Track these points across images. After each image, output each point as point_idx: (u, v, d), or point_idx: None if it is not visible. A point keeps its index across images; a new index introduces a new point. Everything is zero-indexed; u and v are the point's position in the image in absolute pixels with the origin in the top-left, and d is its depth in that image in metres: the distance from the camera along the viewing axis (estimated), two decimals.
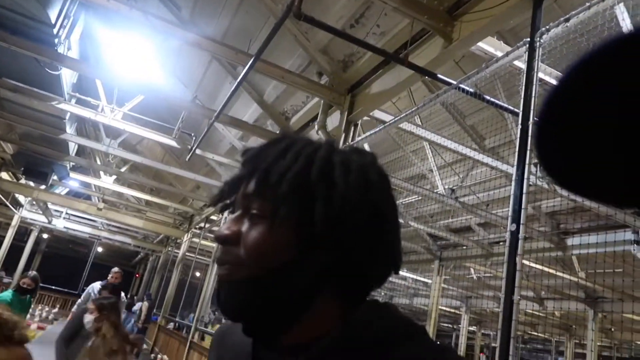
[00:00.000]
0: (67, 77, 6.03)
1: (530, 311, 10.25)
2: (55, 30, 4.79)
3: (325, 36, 4.62)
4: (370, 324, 0.57)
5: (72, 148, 8.87)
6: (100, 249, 21.97)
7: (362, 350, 0.55)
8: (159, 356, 9.29)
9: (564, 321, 12.16)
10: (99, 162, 10.60)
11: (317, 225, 0.56)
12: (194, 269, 13.82)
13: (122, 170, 10.58)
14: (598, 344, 9.73)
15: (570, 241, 6.27)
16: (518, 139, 2.46)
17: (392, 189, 0.64)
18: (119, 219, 13.41)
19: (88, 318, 3.21)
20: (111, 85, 6.82)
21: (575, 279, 8.10)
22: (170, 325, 11.50)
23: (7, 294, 5.21)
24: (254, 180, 0.60)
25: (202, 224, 11.52)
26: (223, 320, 0.80)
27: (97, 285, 7.06)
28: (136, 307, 11.03)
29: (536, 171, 2.96)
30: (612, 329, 11.62)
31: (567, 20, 2.48)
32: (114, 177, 10.96)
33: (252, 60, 3.97)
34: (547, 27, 2.58)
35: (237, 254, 0.59)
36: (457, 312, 13.62)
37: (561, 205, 5.56)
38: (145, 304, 10.87)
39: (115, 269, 7.45)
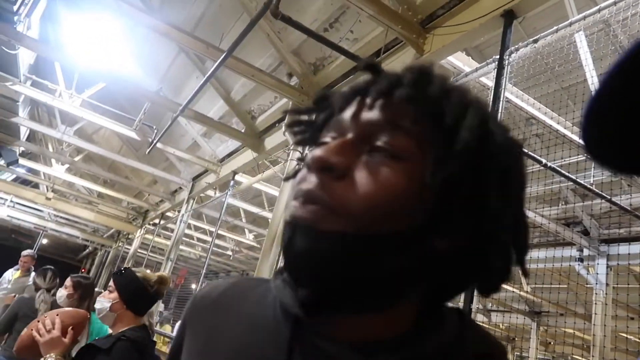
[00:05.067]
0: (25, 57, 5.76)
1: (478, 322, 10.56)
2: (15, 7, 4.57)
3: (297, 38, 4.62)
4: (472, 331, 0.46)
5: (24, 133, 8.46)
6: (45, 241, 21.00)
7: None
8: None
9: (507, 333, 12.59)
10: (51, 149, 10.15)
11: (493, 207, 0.42)
12: (145, 267, 13.43)
13: (76, 159, 10.18)
14: (538, 356, 10.12)
15: None
16: None
17: None
18: (68, 210, 12.87)
19: (61, 292, 3.33)
20: (71, 70, 6.56)
21: (521, 293, 8.41)
22: None
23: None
24: (409, 104, 0.43)
25: (156, 220, 11.22)
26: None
27: (9, 273, 6.09)
28: None
29: None
30: (551, 342, 12.14)
31: (535, 41, 2.59)
32: (67, 166, 10.52)
33: (223, 55, 3.91)
34: (516, 46, 2.68)
35: (343, 193, 0.42)
36: None
37: None
38: None
39: (25, 252, 6.23)
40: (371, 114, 0.44)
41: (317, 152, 0.43)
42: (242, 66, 4.45)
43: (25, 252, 6.18)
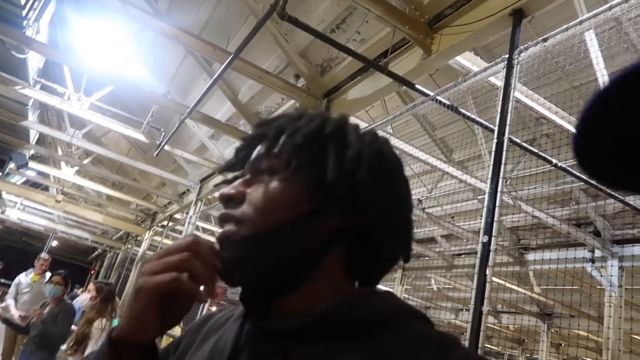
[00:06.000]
0: (34, 61, 5.80)
1: (487, 324, 10.46)
2: (24, 12, 4.60)
3: (304, 39, 4.61)
4: (363, 301, 0.54)
5: (33, 136, 8.53)
6: (55, 243, 21.16)
7: (350, 328, 0.52)
8: None
9: (517, 335, 12.48)
10: (60, 153, 10.22)
11: (329, 176, 0.54)
12: None
13: (85, 162, 10.24)
14: (549, 358, 10.01)
15: (528, 256, 6.44)
16: (493, 153, 2.51)
17: (404, 170, 0.62)
18: (77, 213, 12.95)
19: (84, 296, 3.54)
20: (80, 73, 6.59)
21: (531, 294, 8.33)
22: None
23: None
24: (267, 139, 0.59)
25: (165, 222, 11.26)
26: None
27: (23, 277, 6.20)
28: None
29: (503, 186, 3.03)
30: (563, 344, 11.99)
31: (545, 40, 2.56)
32: (76, 168, 10.59)
33: (230, 57, 3.91)
34: (526, 45, 2.64)
35: (241, 211, 0.56)
36: None
37: (525, 220, 5.70)
38: None
39: (45, 256, 6.49)
40: (254, 156, 0.60)
41: (221, 190, 0.59)
42: (249, 68, 4.45)
43: (45, 256, 6.42)
